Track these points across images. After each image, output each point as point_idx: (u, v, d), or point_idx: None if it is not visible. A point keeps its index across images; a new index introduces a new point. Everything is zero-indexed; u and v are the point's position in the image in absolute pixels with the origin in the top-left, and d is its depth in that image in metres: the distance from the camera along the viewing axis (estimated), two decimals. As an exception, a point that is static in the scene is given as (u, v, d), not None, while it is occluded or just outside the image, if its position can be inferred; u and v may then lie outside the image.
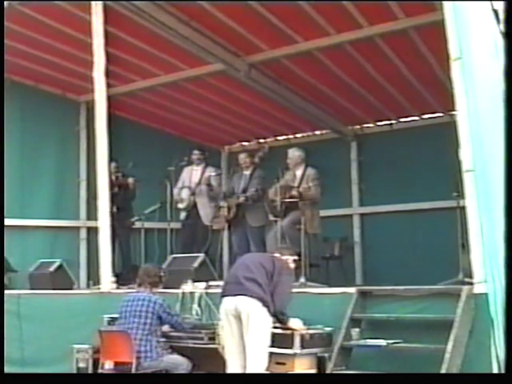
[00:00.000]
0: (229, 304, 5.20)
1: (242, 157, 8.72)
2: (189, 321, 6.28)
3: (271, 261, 5.36)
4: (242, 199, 8.26)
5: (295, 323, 5.41)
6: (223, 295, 5.30)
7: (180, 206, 8.85)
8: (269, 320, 5.15)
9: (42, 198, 9.84)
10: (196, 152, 9.06)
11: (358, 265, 10.72)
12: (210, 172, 8.92)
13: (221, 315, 5.34)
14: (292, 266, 5.66)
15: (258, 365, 5.06)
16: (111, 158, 7.84)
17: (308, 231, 7.64)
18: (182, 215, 8.94)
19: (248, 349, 5.09)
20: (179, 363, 5.79)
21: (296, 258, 5.88)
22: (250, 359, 5.07)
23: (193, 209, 8.79)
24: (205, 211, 8.74)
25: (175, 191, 8.85)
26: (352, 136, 11.29)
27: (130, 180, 9.13)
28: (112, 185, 8.48)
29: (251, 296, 5.10)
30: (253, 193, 8.24)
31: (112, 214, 7.92)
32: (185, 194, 8.86)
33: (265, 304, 5.10)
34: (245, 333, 5.12)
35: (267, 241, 8.01)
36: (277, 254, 5.61)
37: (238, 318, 5.14)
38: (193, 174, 9.00)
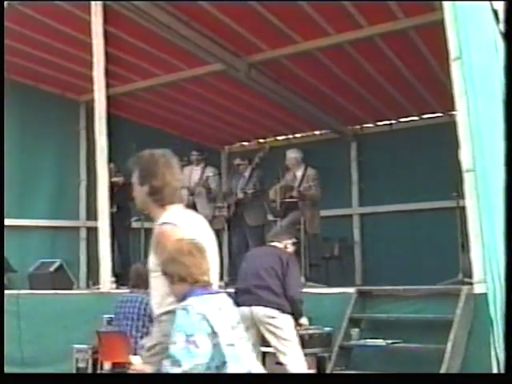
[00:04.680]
0: (244, 313, 5.07)
1: (238, 161, 8.75)
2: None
3: (278, 258, 5.34)
4: (240, 196, 8.26)
5: (304, 320, 5.42)
6: (237, 305, 5.23)
7: None
8: (291, 322, 5.17)
9: (42, 198, 9.83)
10: (194, 153, 9.06)
11: (357, 265, 10.71)
12: (209, 173, 8.91)
13: None
14: (291, 249, 5.66)
15: (302, 366, 5.08)
16: (110, 159, 7.84)
17: (308, 231, 7.64)
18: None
19: (287, 356, 5.08)
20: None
21: (295, 240, 5.87)
22: (294, 364, 5.06)
23: (192, 209, 8.78)
24: (204, 212, 8.72)
25: None
26: (352, 136, 11.29)
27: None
28: (112, 185, 8.50)
29: (268, 306, 5.09)
30: (251, 190, 8.25)
31: (112, 214, 7.93)
32: (184, 194, 8.87)
33: (284, 310, 5.12)
34: (272, 342, 5.11)
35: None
36: (275, 243, 5.59)
37: (254, 326, 5.11)
38: (192, 174, 9.00)
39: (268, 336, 5.14)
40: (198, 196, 8.79)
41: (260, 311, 5.11)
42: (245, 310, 5.13)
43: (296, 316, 5.27)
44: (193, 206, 8.80)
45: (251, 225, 8.25)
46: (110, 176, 8.24)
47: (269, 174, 8.43)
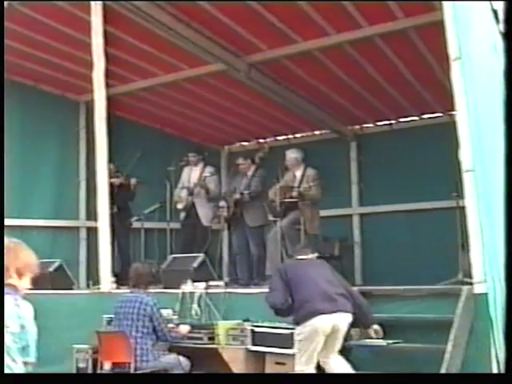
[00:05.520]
0: (325, 322, 4.99)
1: (240, 161, 8.70)
2: (188, 321, 6.29)
3: (328, 267, 5.40)
4: (237, 196, 8.26)
5: (377, 326, 5.35)
6: (317, 313, 5.01)
7: (179, 206, 8.84)
8: None
9: (42, 198, 9.83)
10: (191, 154, 9.00)
11: (357, 265, 10.71)
12: (207, 173, 8.86)
13: (308, 332, 5.04)
14: None
15: None
16: (110, 159, 7.84)
17: (308, 231, 7.64)
18: (182, 215, 8.93)
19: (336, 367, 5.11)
20: (177, 363, 5.77)
21: (318, 254, 5.88)
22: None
23: (191, 209, 8.76)
24: (203, 212, 8.72)
25: (176, 191, 8.85)
26: (352, 136, 11.29)
27: (133, 181, 9.12)
28: (112, 185, 8.50)
29: (347, 311, 5.06)
30: (251, 190, 8.24)
31: (112, 214, 7.93)
32: (183, 194, 8.84)
33: (353, 316, 5.12)
34: (335, 346, 5.10)
35: (267, 241, 8.01)
36: (303, 256, 5.57)
37: (329, 334, 5.04)
38: (192, 174, 8.98)
39: (337, 344, 5.09)
40: (197, 196, 8.77)
41: (341, 317, 5.04)
42: (326, 318, 4.98)
43: (370, 322, 5.25)
44: (192, 207, 8.79)
45: (251, 225, 8.24)
46: (110, 176, 8.25)
47: (269, 174, 8.43)
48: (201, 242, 8.51)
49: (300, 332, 5.09)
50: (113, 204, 8.40)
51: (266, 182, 8.29)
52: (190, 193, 8.78)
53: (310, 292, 5.11)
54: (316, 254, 5.79)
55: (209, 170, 8.95)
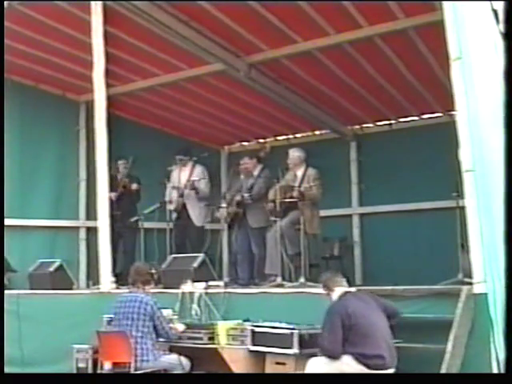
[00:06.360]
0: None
1: (246, 160, 8.57)
2: (188, 321, 6.29)
3: (376, 305, 5.21)
4: (238, 198, 8.23)
5: None
6: (384, 368, 4.87)
7: (170, 207, 8.71)
8: None
9: (42, 198, 9.84)
10: (179, 157, 8.83)
11: (357, 265, 10.72)
12: (198, 172, 8.74)
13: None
14: None
15: None
16: (111, 158, 7.84)
17: (307, 231, 7.63)
18: (173, 216, 8.78)
19: None
20: (177, 363, 5.78)
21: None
22: None
23: (182, 210, 8.66)
24: (194, 212, 8.64)
25: (167, 192, 8.77)
26: (351, 136, 11.30)
27: (134, 186, 9.11)
28: (116, 185, 8.49)
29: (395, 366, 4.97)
30: (255, 191, 8.22)
31: (113, 215, 7.91)
32: (174, 195, 8.75)
33: None
34: None
35: (267, 240, 8.01)
36: (345, 288, 5.39)
37: None
38: (181, 174, 8.84)
39: None
40: (187, 198, 8.67)
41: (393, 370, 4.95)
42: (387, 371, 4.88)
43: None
44: (183, 208, 8.70)
45: (253, 226, 8.22)
46: (116, 174, 8.23)
47: (269, 174, 8.42)
48: (195, 242, 8.47)
49: (351, 366, 4.91)
50: (118, 207, 8.40)
51: (270, 182, 8.25)
52: (180, 194, 8.67)
53: (379, 345, 4.91)
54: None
55: (197, 171, 8.79)
